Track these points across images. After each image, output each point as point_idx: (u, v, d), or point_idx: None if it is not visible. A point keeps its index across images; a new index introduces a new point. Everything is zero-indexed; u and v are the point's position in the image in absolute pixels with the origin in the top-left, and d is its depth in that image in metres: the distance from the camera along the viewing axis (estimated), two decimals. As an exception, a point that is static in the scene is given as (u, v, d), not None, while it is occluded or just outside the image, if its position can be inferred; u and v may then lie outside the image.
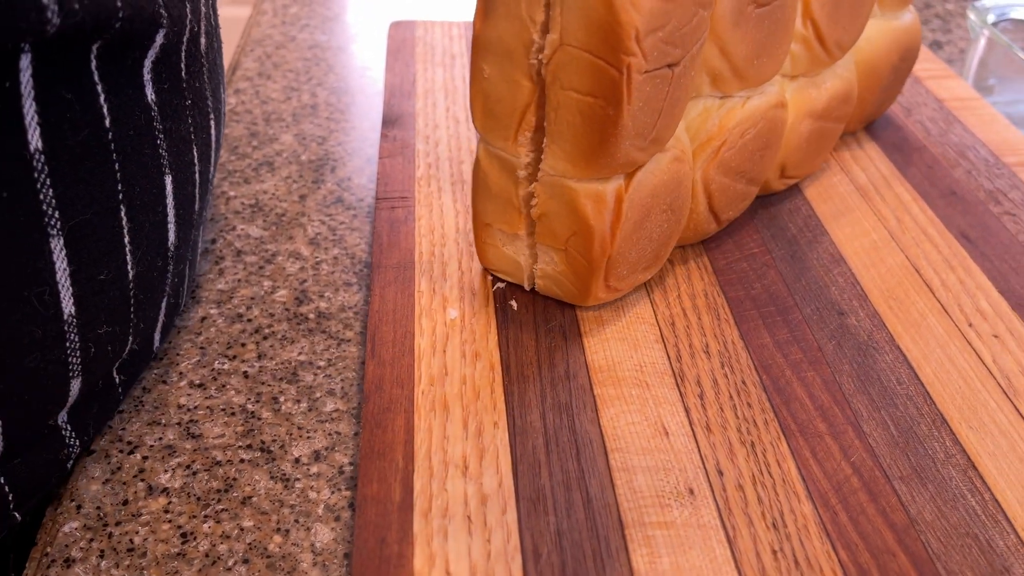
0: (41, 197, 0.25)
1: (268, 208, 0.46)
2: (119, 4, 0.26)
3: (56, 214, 0.26)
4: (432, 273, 0.38)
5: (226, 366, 0.37)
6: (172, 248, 0.34)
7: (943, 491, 0.30)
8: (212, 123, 0.38)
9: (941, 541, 0.29)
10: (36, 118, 0.24)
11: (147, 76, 0.31)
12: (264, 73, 0.58)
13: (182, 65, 0.33)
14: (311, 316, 0.40)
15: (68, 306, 0.27)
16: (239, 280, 0.42)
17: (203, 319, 0.39)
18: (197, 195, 0.36)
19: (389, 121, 0.48)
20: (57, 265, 0.26)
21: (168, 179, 0.33)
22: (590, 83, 0.29)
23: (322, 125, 0.53)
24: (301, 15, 0.67)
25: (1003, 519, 0.29)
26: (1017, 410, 0.33)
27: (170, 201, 0.33)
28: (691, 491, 0.30)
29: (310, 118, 0.54)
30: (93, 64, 0.27)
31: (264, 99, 0.56)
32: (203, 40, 0.36)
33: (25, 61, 0.23)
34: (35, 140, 0.24)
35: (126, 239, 0.31)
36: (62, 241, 0.26)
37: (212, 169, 0.38)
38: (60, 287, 0.26)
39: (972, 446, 0.32)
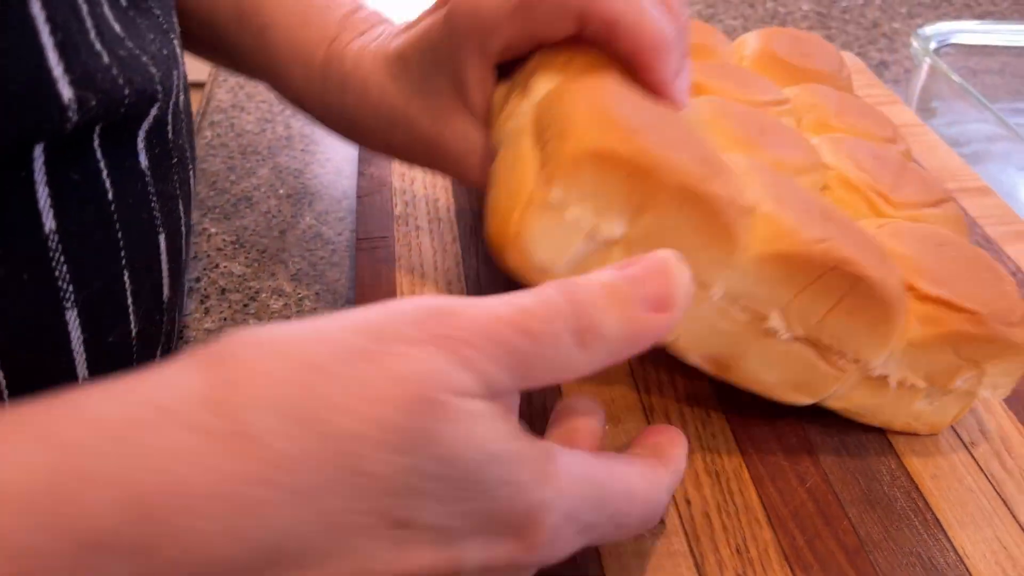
0: (57, 274, 0.27)
1: (249, 244, 0.48)
2: (126, 92, 0.28)
3: (70, 288, 0.27)
4: (414, 314, 0.39)
5: (217, 406, 0.39)
6: (166, 300, 0.36)
7: (890, 513, 0.33)
8: (191, 173, 0.39)
9: (888, 561, 0.31)
10: (49, 201, 0.26)
11: (141, 145, 0.32)
12: (238, 104, 0.60)
13: (169, 128, 0.35)
14: (297, 354, 0.41)
15: (82, 371, 0.28)
16: (225, 319, 0.43)
17: (192, 359, 0.41)
18: (183, 245, 0.38)
19: (364, 158, 0.50)
20: (72, 335, 0.28)
21: (162, 238, 0.35)
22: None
23: (297, 158, 0.55)
24: (271, 42, 0.68)
25: (943, 537, 0.32)
26: (956, 433, 0.37)
27: (164, 258, 0.35)
28: (662, 521, 0.32)
29: (285, 150, 0.55)
30: (96, 143, 0.28)
31: (239, 132, 0.57)
32: (182, 96, 0.37)
33: (38, 150, 0.25)
34: (49, 222, 0.26)
35: (129, 300, 0.32)
36: (76, 311, 0.28)
37: (191, 216, 0.40)
38: (75, 355, 0.28)
39: (915, 468, 0.35)
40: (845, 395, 0.34)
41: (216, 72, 0.63)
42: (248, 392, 0.19)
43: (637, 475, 0.25)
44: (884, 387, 0.34)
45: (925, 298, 0.33)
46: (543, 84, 0.32)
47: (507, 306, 0.22)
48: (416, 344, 0.20)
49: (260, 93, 0.61)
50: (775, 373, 0.33)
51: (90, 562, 0.18)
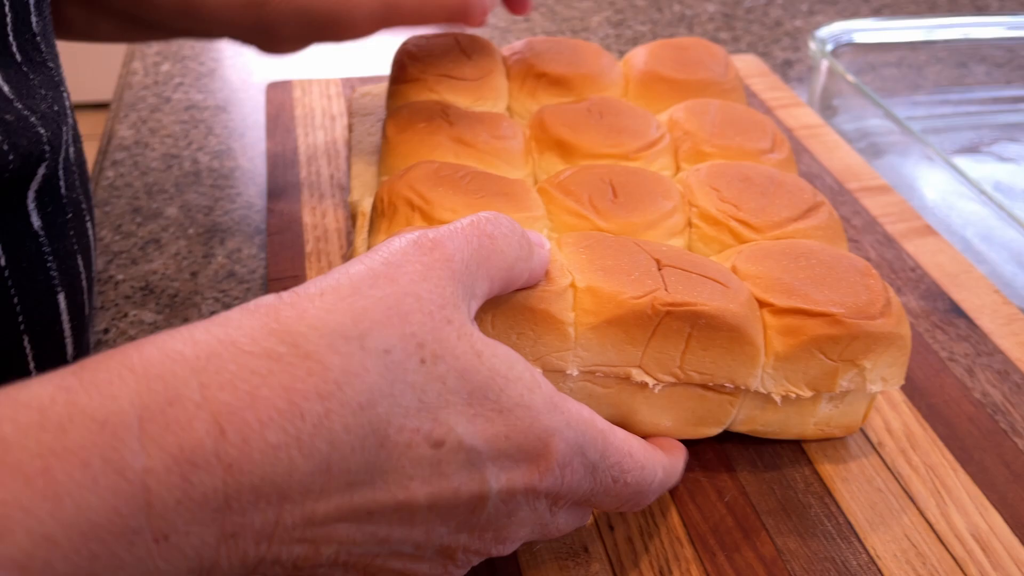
0: None
1: (159, 289, 0.47)
2: (11, 157, 0.27)
3: None
4: (330, 355, 0.39)
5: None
6: (71, 359, 0.35)
7: (804, 519, 0.34)
8: (88, 223, 0.38)
9: (804, 568, 0.32)
10: None
11: (32, 206, 0.31)
12: (141, 141, 0.58)
13: (61, 183, 0.34)
14: (214, 402, 0.40)
15: None
16: (137, 370, 0.42)
17: (104, 416, 0.40)
18: (86, 301, 0.37)
19: (274, 194, 0.49)
20: None
21: (61, 297, 0.34)
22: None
23: (206, 194, 0.53)
24: (174, 72, 0.66)
25: (855, 540, 0.34)
26: (865, 435, 0.38)
27: (65, 317, 0.34)
28: (586, 549, 0.33)
29: (194, 187, 0.54)
30: None
31: (144, 170, 0.55)
32: (72, 149, 0.36)
33: None
34: None
35: (31, 365, 0.31)
36: None
37: (93, 267, 0.39)
38: None
39: (827, 473, 0.36)
40: (749, 417, 0.35)
41: (117, 106, 0.62)
42: (305, 321, 0.22)
43: (637, 443, 0.28)
44: (779, 402, 0.35)
45: (780, 311, 0.34)
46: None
47: (467, 222, 0.27)
48: (423, 267, 0.25)
49: (164, 127, 0.60)
50: (671, 416, 0.34)
51: (188, 478, 0.19)
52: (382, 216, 0.36)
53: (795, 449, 0.37)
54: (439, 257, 0.25)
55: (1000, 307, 0.45)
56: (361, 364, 0.22)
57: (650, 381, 0.33)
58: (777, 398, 0.34)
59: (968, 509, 0.35)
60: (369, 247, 0.37)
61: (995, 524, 0.34)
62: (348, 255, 0.40)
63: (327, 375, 0.21)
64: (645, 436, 0.34)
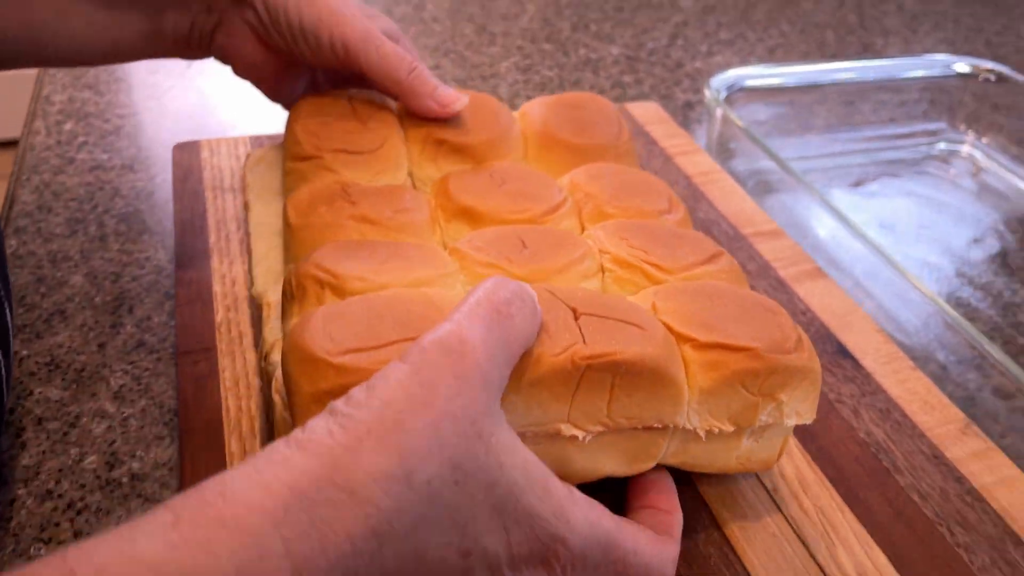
0: None
1: (66, 364, 0.46)
2: None
3: None
4: (241, 430, 0.39)
5: (43, 551, 0.37)
6: None
7: (705, 570, 0.36)
8: (7, 310, 0.38)
9: (705, 618, 0.34)
10: None
11: None
12: (44, 206, 0.57)
13: None
14: (124, 480, 0.40)
15: None
16: (43, 452, 0.41)
17: (12, 501, 0.39)
18: (5, 389, 0.36)
19: (182, 263, 0.49)
20: None
21: None
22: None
23: (114, 259, 0.53)
24: (78, 131, 0.65)
25: (752, 586, 0.36)
26: (760, 482, 0.40)
27: None
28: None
29: (100, 252, 0.53)
30: None
31: (47, 236, 0.54)
32: None
33: None
34: None
35: None
36: None
37: (11, 355, 0.38)
38: None
39: (725, 520, 0.38)
40: (679, 450, 0.37)
41: (18, 169, 0.60)
42: (360, 466, 0.25)
43: (645, 540, 0.32)
44: (704, 437, 0.36)
45: (703, 346, 0.35)
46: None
47: (483, 300, 0.29)
48: (456, 380, 0.27)
49: (68, 189, 0.59)
50: (606, 459, 0.35)
51: None
52: (292, 300, 0.37)
53: (695, 498, 0.39)
54: (471, 364, 0.27)
55: (882, 346, 0.48)
56: (408, 500, 0.25)
57: (579, 434, 0.34)
58: (702, 433, 0.36)
59: (855, 549, 0.37)
60: (283, 332, 0.37)
61: (878, 562, 0.37)
62: (262, 349, 0.40)
63: (380, 516, 0.25)
64: (582, 483, 0.35)
